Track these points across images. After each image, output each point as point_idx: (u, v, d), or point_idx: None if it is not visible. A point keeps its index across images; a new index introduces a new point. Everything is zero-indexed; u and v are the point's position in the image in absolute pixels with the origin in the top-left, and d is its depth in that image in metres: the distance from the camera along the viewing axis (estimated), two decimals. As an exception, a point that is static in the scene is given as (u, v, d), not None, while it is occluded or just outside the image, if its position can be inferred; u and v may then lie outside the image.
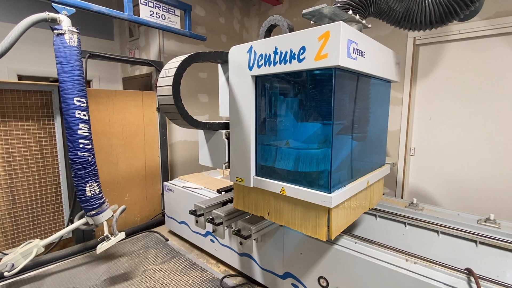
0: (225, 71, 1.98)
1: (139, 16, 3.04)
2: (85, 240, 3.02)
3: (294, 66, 1.38)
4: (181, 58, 1.60)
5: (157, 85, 1.64)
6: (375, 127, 1.94)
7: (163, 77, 1.61)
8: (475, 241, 1.92)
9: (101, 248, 2.31)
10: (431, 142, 3.29)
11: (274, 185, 1.57)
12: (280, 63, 1.42)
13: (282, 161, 1.60)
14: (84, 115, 2.33)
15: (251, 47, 1.54)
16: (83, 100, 2.33)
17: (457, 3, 1.59)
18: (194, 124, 1.68)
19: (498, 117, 2.85)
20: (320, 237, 1.49)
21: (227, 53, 1.70)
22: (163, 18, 3.26)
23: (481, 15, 2.77)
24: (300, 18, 4.36)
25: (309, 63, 1.32)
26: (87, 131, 2.35)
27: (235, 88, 1.65)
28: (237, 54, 1.62)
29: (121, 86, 4.75)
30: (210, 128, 1.77)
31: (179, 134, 4.15)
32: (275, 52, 1.43)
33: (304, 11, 1.43)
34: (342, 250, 1.77)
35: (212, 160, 1.85)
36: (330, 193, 1.39)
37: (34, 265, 2.60)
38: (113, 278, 2.48)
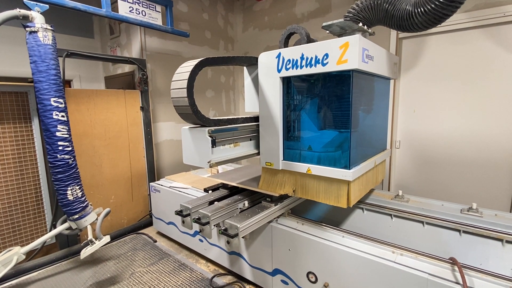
0: (251, 73, 2.29)
1: (118, 12, 2.94)
2: (70, 245, 2.93)
3: (318, 69, 1.68)
4: (193, 62, 1.75)
5: (171, 87, 1.77)
6: (379, 117, 2.28)
7: (177, 80, 1.74)
8: (459, 230, 1.97)
9: (85, 252, 2.24)
10: (416, 134, 3.34)
11: (301, 166, 1.88)
12: (306, 67, 1.72)
13: (306, 146, 1.92)
14: (63, 116, 2.24)
15: (279, 53, 1.83)
16: (61, 100, 2.24)
17: (441, 10, 1.64)
18: (207, 122, 1.82)
19: (480, 108, 2.91)
20: (342, 205, 1.78)
21: (255, 58, 2.04)
22: (144, 14, 3.17)
23: (461, 8, 2.81)
24: (284, 13, 4.33)
25: (332, 66, 1.62)
26: (66, 132, 2.26)
27: (264, 87, 1.94)
28: (267, 59, 1.90)
29: (104, 85, 4.62)
30: (218, 124, 1.88)
31: (164, 133, 4.08)
32: (302, 58, 1.73)
33: (324, 24, 1.74)
34: (330, 244, 1.77)
35: (196, 158, 1.82)
36: (349, 169, 1.71)
37: (15, 273, 2.50)
38: (99, 282, 2.42)
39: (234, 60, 2.10)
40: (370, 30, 1.90)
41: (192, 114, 1.73)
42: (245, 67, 2.33)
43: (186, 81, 1.67)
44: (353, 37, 1.54)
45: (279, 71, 1.85)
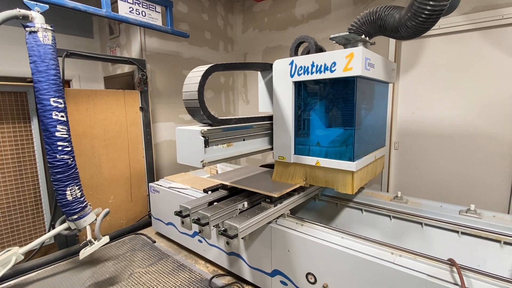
0: (264, 77, 2.49)
1: (117, 12, 2.94)
2: (68, 245, 2.93)
3: (327, 75, 1.90)
4: (205, 67, 1.84)
5: (183, 90, 1.86)
6: (379, 117, 2.50)
7: (189, 83, 1.83)
8: (457, 232, 1.97)
9: (84, 253, 2.24)
10: (414, 135, 3.35)
11: (311, 160, 2.10)
12: (317, 73, 1.94)
13: (315, 142, 2.13)
14: (62, 116, 2.24)
15: (292, 61, 2.05)
16: (61, 100, 2.24)
17: (421, 25, 1.74)
18: (215, 121, 1.90)
19: (479, 109, 2.93)
20: (348, 192, 2.01)
21: (270, 64, 2.28)
22: (144, 14, 3.17)
23: (459, 10, 2.83)
24: (284, 14, 4.34)
25: (339, 73, 1.84)
26: (65, 132, 2.26)
27: (278, 90, 2.16)
28: (281, 65, 2.12)
29: (103, 85, 4.61)
30: (228, 123, 1.96)
31: (164, 133, 4.08)
32: (312, 65, 1.95)
33: (331, 36, 1.99)
34: (329, 245, 1.77)
35: (190, 158, 1.82)
36: (353, 161, 1.93)
37: (14, 273, 2.50)
38: (98, 283, 2.41)
39: (250, 66, 2.26)
40: (371, 41, 2.13)
41: (202, 115, 1.81)
42: (259, 72, 2.48)
43: (199, 78, 1.75)
44: (357, 48, 1.76)
45: (291, 76, 2.06)
